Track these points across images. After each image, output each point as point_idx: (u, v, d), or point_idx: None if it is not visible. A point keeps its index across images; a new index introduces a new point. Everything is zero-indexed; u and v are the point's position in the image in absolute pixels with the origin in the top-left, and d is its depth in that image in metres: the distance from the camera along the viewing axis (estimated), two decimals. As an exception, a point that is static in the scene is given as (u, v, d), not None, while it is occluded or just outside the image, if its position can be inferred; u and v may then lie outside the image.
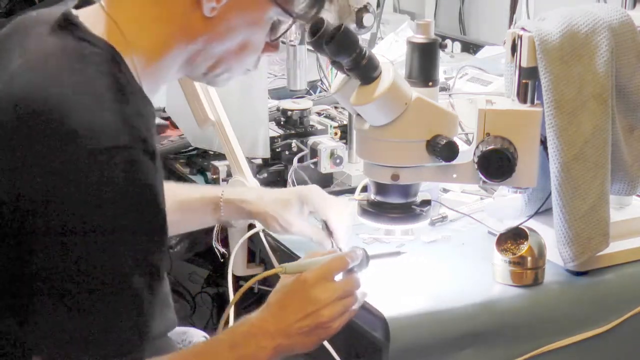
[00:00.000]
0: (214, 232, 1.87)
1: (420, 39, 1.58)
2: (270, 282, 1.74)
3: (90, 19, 1.28)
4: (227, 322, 1.52)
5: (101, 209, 1.13)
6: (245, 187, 1.84)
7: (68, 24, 1.26)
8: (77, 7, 1.32)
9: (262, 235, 1.79)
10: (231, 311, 1.53)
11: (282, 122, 2.05)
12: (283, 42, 2.24)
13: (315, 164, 1.93)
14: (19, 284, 1.16)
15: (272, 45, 1.40)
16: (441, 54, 1.64)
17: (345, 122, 2.13)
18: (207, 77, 1.39)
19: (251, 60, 1.39)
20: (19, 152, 1.14)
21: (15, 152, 1.14)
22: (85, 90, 1.18)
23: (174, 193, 1.63)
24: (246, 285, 1.44)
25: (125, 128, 1.17)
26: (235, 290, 1.80)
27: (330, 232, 1.66)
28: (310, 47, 1.60)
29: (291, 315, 1.38)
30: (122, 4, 1.29)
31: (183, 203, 1.68)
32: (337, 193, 1.96)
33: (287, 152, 1.98)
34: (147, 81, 1.30)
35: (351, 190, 1.94)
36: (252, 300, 2.00)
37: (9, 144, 1.15)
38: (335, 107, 2.27)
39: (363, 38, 2.15)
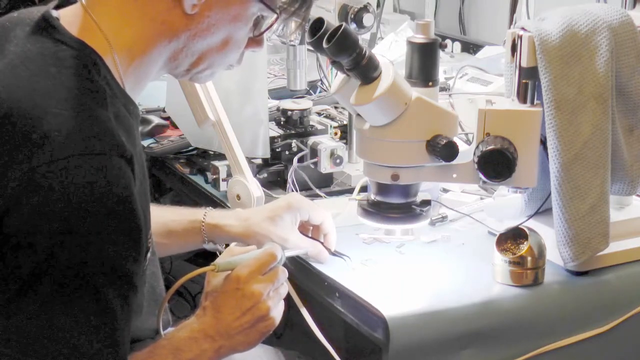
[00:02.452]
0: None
1: (420, 39, 1.58)
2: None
3: (70, 18, 1.27)
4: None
5: (70, 215, 1.12)
6: (229, 210, 1.80)
7: (47, 26, 1.25)
8: (57, 6, 1.32)
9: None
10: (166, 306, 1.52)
11: (282, 122, 2.05)
12: (283, 43, 2.24)
13: (315, 164, 1.93)
14: None
15: (255, 41, 1.39)
16: (441, 54, 1.64)
17: (345, 122, 2.13)
18: (189, 74, 1.38)
19: (234, 56, 1.38)
20: None
21: None
22: (59, 95, 1.17)
23: (160, 216, 1.62)
24: (177, 284, 1.43)
25: (100, 133, 1.16)
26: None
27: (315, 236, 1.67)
28: (310, 47, 1.60)
29: (229, 315, 1.38)
30: (102, 3, 1.28)
31: (167, 226, 1.66)
32: (337, 193, 1.96)
33: (287, 152, 1.98)
34: (130, 80, 1.29)
35: (351, 190, 1.94)
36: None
37: None
38: (335, 107, 2.27)
39: (363, 38, 2.15)
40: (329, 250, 1.65)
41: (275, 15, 1.34)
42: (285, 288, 1.45)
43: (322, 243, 1.66)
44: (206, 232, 1.67)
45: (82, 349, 1.16)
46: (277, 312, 1.42)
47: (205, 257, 2.66)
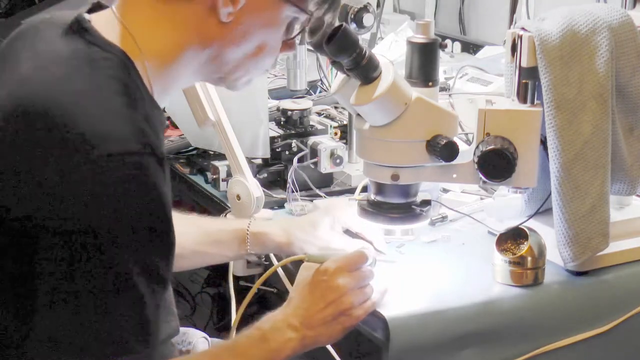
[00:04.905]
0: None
1: (420, 39, 1.58)
2: (270, 281, 1.74)
3: (102, 23, 1.28)
4: (241, 322, 1.52)
5: (106, 213, 1.13)
6: (271, 220, 1.82)
7: (79, 28, 1.26)
8: (89, 11, 1.32)
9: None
10: (233, 309, 1.53)
11: (282, 122, 2.05)
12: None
13: (315, 164, 1.93)
14: (20, 286, 1.15)
15: (288, 44, 1.39)
16: (441, 54, 1.64)
17: (345, 122, 2.13)
18: (225, 81, 1.38)
19: (269, 61, 1.38)
20: (25, 155, 1.14)
21: (22, 155, 1.14)
22: (94, 95, 1.18)
23: (200, 225, 1.65)
24: (263, 277, 1.46)
25: (134, 133, 1.16)
26: (236, 290, 1.81)
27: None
28: (310, 47, 1.60)
29: (313, 306, 1.41)
30: (134, 9, 1.28)
31: (210, 236, 1.67)
32: (337, 193, 1.96)
33: (287, 152, 1.98)
34: (159, 86, 1.29)
35: (351, 190, 1.94)
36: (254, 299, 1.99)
37: (17, 146, 1.15)
38: (335, 107, 2.27)
39: (363, 38, 2.15)
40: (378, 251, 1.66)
41: (306, 17, 1.35)
42: (371, 289, 1.47)
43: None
44: (250, 241, 1.68)
45: (113, 342, 1.17)
46: (361, 310, 1.44)
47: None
